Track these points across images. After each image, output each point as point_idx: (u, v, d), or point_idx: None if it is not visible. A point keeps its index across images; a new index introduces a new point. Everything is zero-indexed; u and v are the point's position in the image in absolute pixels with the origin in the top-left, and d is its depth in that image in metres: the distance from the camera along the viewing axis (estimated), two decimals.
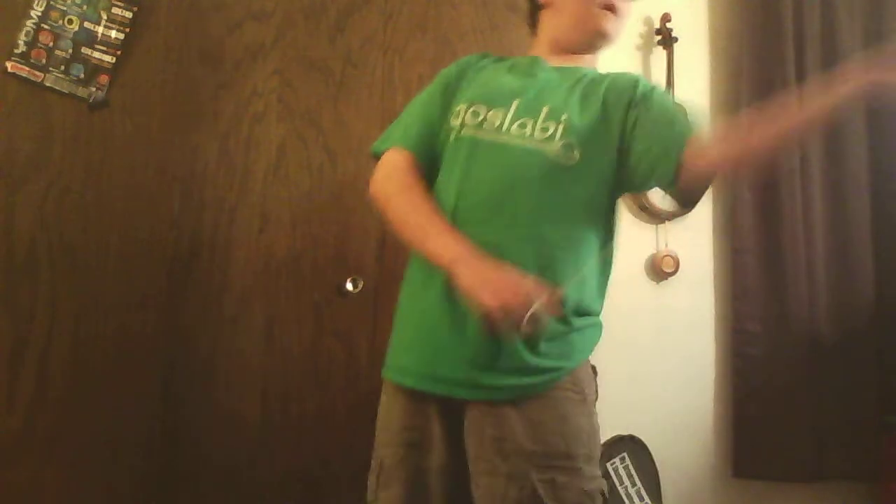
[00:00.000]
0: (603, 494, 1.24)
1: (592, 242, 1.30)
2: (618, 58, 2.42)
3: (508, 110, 1.31)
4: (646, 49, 2.48)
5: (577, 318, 1.28)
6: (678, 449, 2.36)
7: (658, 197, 2.31)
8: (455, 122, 1.35)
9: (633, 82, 1.33)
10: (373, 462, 1.34)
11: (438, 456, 1.26)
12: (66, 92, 1.82)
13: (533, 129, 1.29)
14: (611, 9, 1.35)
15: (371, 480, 1.33)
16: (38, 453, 1.75)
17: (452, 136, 1.34)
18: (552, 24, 1.44)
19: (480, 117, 1.33)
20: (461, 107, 1.35)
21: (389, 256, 2.06)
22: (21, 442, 1.74)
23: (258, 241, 1.96)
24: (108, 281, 1.83)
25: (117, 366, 1.82)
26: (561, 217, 1.27)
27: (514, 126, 1.30)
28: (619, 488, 2.23)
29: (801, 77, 2.44)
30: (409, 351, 1.32)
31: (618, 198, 1.37)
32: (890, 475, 2.24)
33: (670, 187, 1.28)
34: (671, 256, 2.38)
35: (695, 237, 2.46)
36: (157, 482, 1.84)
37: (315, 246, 2.00)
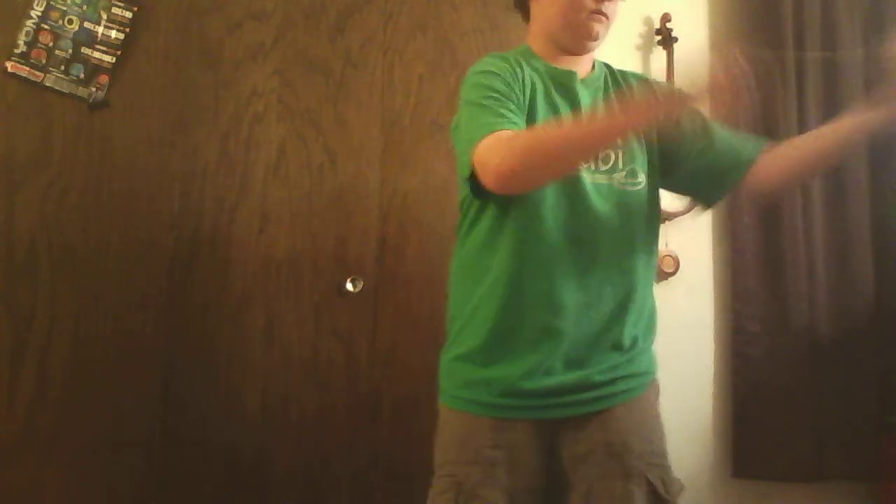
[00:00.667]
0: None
1: (655, 265, 1.39)
2: (618, 58, 2.42)
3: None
4: (646, 49, 2.48)
5: (654, 327, 1.39)
6: (678, 449, 2.34)
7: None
8: None
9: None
10: (441, 481, 1.28)
11: (528, 474, 1.26)
12: (66, 92, 1.82)
13: (595, 161, 1.29)
14: (599, 14, 1.33)
15: (444, 499, 1.25)
16: (38, 453, 1.75)
17: None
18: (543, 16, 1.39)
19: None
20: None
21: (389, 256, 2.06)
22: (21, 442, 1.74)
23: (258, 241, 1.96)
24: (108, 281, 1.83)
25: (117, 366, 1.83)
26: (637, 243, 1.32)
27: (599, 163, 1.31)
28: None
29: (801, 77, 2.44)
30: (463, 380, 1.31)
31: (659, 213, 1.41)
32: (890, 475, 2.23)
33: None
34: (671, 256, 2.38)
35: (695, 237, 2.46)
36: (157, 482, 1.84)
37: (315, 246, 2.00)
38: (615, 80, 1.40)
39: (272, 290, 1.96)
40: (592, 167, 1.29)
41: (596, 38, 1.35)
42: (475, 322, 1.30)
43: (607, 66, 1.43)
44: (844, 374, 2.36)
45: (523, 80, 1.29)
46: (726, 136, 1.36)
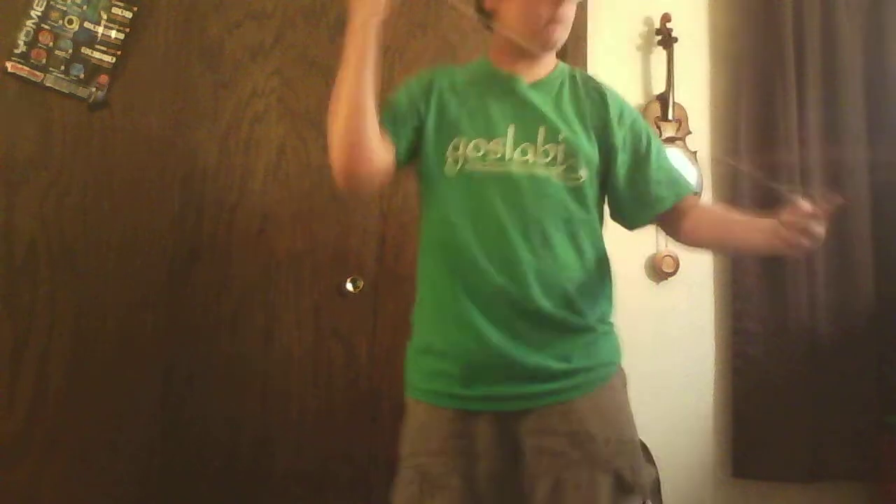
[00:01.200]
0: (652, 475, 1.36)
1: (602, 254, 1.39)
2: (618, 58, 2.43)
3: (507, 138, 1.34)
4: (646, 49, 2.48)
5: (610, 315, 1.40)
6: (678, 449, 2.36)
7: None
8: (455, 155, 1.35)
9: (616, 107, 1.42)
10: (406, 472, 1.31)
11: (488, 463, 1.28)
12: (66, 92, 1.82)
13: (535, 154, 1.33)
14: (556, 21, 1.35)
15: (410, 491, 1.29)
16: (38, 453, 1.75)
17: (454, 171, 1.35)
18: (504, 27, 1.42)
19: (482, 151, 1.34)
20: (459, 140, 1.35)
21: (389, 256, 2.06)
22: (21, 442, 1.74)
23: (258, 241, 1.96)
24: (108, 281, 1.83)
25: (117, 366, 1.83)
26: (580, 230, 1.34)
27: (517, 153, 1.34)
28: None
29: (801, 77, 2.44)
30: (452, 378, 1.33)
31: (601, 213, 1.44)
32: (890, 475, 2.23)
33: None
34: (671, 256, 2.38)
35: None
36: (157, 482, 1.84)
37: (315, 246, 2.00)
38: (574, 84, 1.43)
39: (272, 290, 1.96)
40: (529, 159, 1.33)
41: (554, 46, 1.39)
42: (425, 317, 1.42)
43: (572, 70, 1.46)
44: (844, 374, 2.36)
45: (431, 97, 1.40)
46: (660, 169, 1.42)
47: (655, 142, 1.45)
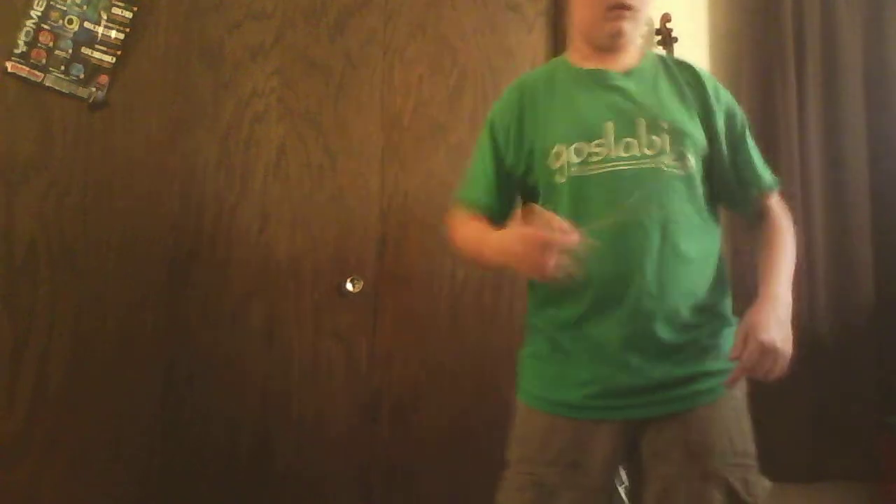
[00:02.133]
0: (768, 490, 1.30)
1: (718, 246, 1.35)
2: None
3: (608, 136, 1.29)
4: (646, 49, 2.48)
5: (730, 319, 1.36)
6: None
7: None
8: (556, 164, 1.31)
9: (697, 78, 1.37)
10: (517, 477, 1.30)
11: (600, 476, 1.27)
12: (66, 92, 1.82)
13: (640, 147, 1.28)
14: (619, 8, 1.31)
15: (523, 498, 1.27)
16: (38, 453, 1.75)
17: (559, 179, 1.31)
18: (574, 22, 1.41)
19: (585, 153, 1.30)
20: (559, 148, 1.31)
21: (389, 256, 2.06)
22: (21, 442, 1.74)
23: (258, 241, 1.96)
24: (108, 280, 1.83)
25: (117, 365, 1.82)
26: (693, 229, 1.29)
27: (621, 150, 1.28)
28: (620, 488, 2.23)
29: (801, 77, 2.44)
30: (579, 387, 1.29)
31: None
32: (890, 475, 2.23)
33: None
34: None
35: None
36: (157, 482, 1.84)
37: (315, 246, 2.00)
38: (668, 69, 1.39)
39: (272, 290, 1.96)
40: (636, 153, 1.28)
41: (621, 34, 1.33)
42: (540, 322, 1.37)
43: (662, 57, 1.42)
44: (844, 374, 2.35)
45: (517, 108, 1.39)
46: (754, 149, 1.40)
47: (746, 123, 1.40)
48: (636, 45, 1.40)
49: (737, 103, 1.42)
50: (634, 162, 1.27)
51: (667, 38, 2.43)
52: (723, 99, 1.38)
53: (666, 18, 2.43)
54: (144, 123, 1.89)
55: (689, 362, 1.27)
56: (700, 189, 1.31)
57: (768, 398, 2.35)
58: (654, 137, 1.28)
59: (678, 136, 1.29)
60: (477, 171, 1.43)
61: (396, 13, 2.13)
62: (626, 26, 1.32)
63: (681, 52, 2.43)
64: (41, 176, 1.80)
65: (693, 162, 1.29)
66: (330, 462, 1.97)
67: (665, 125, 1.29)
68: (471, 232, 1.38)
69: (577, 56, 1.41)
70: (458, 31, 2.18)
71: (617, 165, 1.27)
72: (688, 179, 1.29)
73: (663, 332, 1.25)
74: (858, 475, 2.33)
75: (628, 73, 1.36)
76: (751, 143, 1.40)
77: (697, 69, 1.39)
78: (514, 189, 1.42)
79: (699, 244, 1.30)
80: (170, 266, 1.89)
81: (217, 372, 1.91)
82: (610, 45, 1.36)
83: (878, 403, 2.35)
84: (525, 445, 1.31)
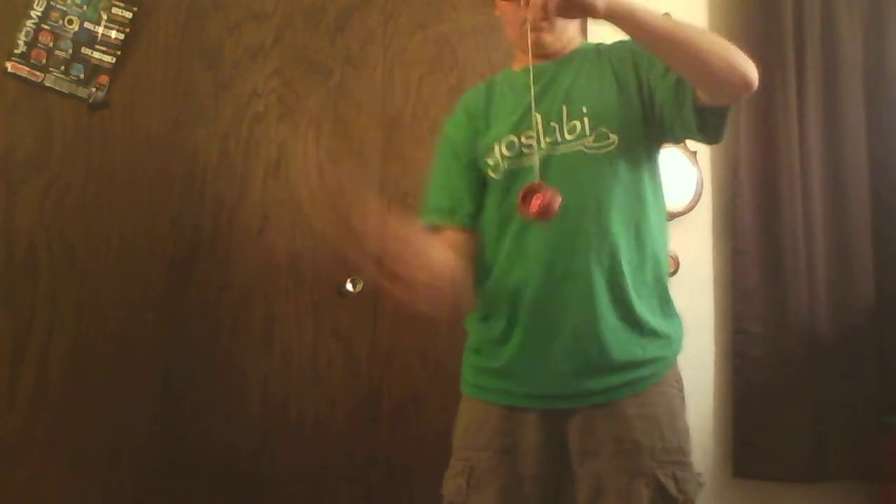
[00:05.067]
0: (701, 486, 1.29)
1: (652, 222, 1.32)
2: None
3: (536, 127, 1.32)
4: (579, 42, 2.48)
5: (668, 303, 1.32)
6: None
7: None
8: (491, 161, 1.36)
9: (627, 43, 1.32)
10: (456, 464, 1.33)
11: (533, 462, 1.28)
12: (66, 92, 1.82)
13: (562, 133, 1.30)
14: (538, 23, 1.32)
15: (457, 483, 1.31)
16: (38, 453, 1.75)
17: (494, 175, 1.36)
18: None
19: (516, 146, 1.34)
20: (494, 144, 1.36)
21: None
22: (21, 442, 1.74)
23: (258, 241, 1.96)
24: (108, 281, 1.83)
25: (117, 366, 1.83)
26: (620, 206, 1.28)
27: (547, 139, 1.31)
28: None
29: (801, 77, 2.44)
30: (505, 375, 1.32)
31: (656, 164, 1.36)
32: (890, 475, 2.23)
33: (693, 121, 1.23)
34: (671, 256, 2.38)
35: (695, 237, 2.46)
36: (157, 482, 1.84)
37: (315, 246, 2.00)
38: (598, 54, 1.38)
39: (272, 290, 1.96)
40: (557, 139, 1.30)
41: (541, 46, 1.34)
42: (475, 318, 1.39)
43: (596, 45, 1.40)
44: (844, 374, 2.35)
45: (465, 121, 1.44)
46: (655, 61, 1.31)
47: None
48: (568, 40, 1.40)
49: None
50: (559, 147, 1.30)
51: None
52: (628, 50, 1.34)
53: None
54: (144, 123, 1.89)
55: (622, 349, 1.26)
56: (624, 167, 1.29)
57: (768, 398, 2.36)
58: (574, 122, 1.30)
59: (597, 118, 1.29)
60: (436, 183, 1.46)
61: (396, 13, 2.13)
62: (546, 38, 1.35)
63: None
64: (41, 176, 1.80)
65: (611, 141, 1.28)
66: (330, 462, 1.97)
67: (585, 109, 1.30)
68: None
69: (516, 62, 1.45)
70: (458, 31, 2.18)
71: (546, 154, 1.30)
72: (609, 158, 1.28)
73: (594, 316, 1.25)
74: (858, 475, 2.33)
75: (556, 65, 1.38)
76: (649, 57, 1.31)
77: (623, 41, 1.32)
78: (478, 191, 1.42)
79: (619, 221, 1.28)
80: (170, 266, 1.89)
81: (217, 372, 1.91)
82: (536, 55, 1.36)
83: (879, 403, 2.35)
84: (463, 432, 1.35)
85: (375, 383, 2.03)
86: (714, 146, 2.53)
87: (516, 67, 1.44)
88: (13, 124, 1.78)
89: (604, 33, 1.34)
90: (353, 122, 2.06)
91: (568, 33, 1.39)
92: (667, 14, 1.19)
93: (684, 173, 2.39)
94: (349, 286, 1.99)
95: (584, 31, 2.10)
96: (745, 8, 2.51)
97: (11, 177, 1.78)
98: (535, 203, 1.13)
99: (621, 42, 1.33)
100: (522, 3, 1.29)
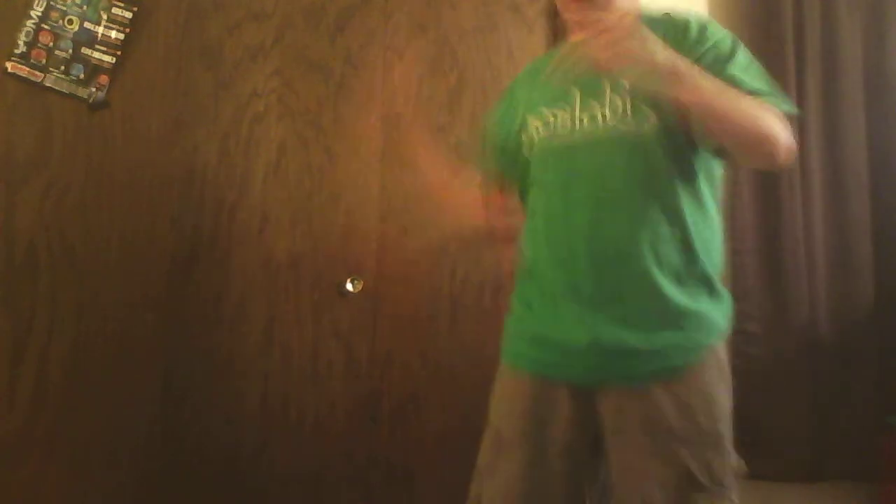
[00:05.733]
0: (739, 472, 1.28)
1: (699, 203, 1.27)
2: None
3: (574, 105, 1.29)
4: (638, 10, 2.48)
5: (711, 286, 1.27)
6: None
7: None
8: (528, 135, 1.36)
9: (684, 28, 1.27)
10: (488, 431, 1.34)
11: (563, 434, 1.26)
12: (66, 92, 1.82)
13: (603, 113, 1.27)
14: (577, 1, 1.30)
15: (485, 448, 1.32)
16: (38, 453, 1.75)
17: (532, 151, 1.36)
18: None
19: (552, 124, 1.32)
20: (531, 120, 1.35)
21: (389, 256, 2.06)
22: (21, 442, 1.74)
23: (258, 241, 1.96)
24: (108, 281, 1.83)
25: (117, 366, 1.83)
26: (659, 189, 1.24)
27: (586, 119, 1.28)
28: None
29: (801, 77, 2.44)
30: (533, 342, 1.32)
31: (710, 156, 1.29)
32: (890, 475, 2.23)
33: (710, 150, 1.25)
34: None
35: None
36: (157, 482, 1.84)
37: (315, 246, 2.00)
38: (651, 27, 1.27)
39: (272, 290, 1.96)
40: (597, 117, 1.27)
41: (584, 23, 1.27)
42: (519, 286, 1.39)
43: (652, 18, 1.30)
44: (844, 375, 2.35)
45: (509, 98, 1.48)
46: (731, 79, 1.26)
47: (735, 48, 1.26)
48: (622, 11, 1.33)
49: (728, 34, 1.29)
50: (598, 131, 1.27)
51: None
52: (709, 37, 1.27)
53: None
54: (144, 123, 1.89)
55: (652, 328, 1.22)
56: (662, 148, 1.24)
57: (769, 398, 2.36)
58: (616, 99, 1.26)
59: (632, 100, 1.25)
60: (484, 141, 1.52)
61: (396, 13, 2.13)
62: (585, 17, 1.28)
63: None
64: (41, 176, 1.80)
65: (656, 119, 1.24)
66: (330, 462, 1.97)
67: (626, 87, 1.25)
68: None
69: (570, 36, 1.41)
70: (458, 31, 2.18)
71: (583, 136, 1.28)
72: (653, 136, 1.24)
73: (621, 305, 1.23)
74: (858, 475, 2.33)
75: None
76: (742, 64, 1.26)
77: (683, 19, 1.30)
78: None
79: (657, 207, 1.24)
80: (170, 266, 1.89)
81: (217, 372, 1.91)
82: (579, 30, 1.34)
83: (879, 403, 2.35)
84: (496, 400, 1.35)
85: (375, 383, 2.03)
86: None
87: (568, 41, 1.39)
88: (13, 124, 1.78)
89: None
90: (353, 122, 2.06)
91: (622, 3, 1.31)
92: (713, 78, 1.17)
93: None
94: (349, 286, 2.00)
95: None
96: (745, 8, 2.51)
97: (11, 177, 1.78)
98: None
99: (682, 31, 1.27)
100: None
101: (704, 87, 1.14)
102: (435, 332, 2.08)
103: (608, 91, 1.27)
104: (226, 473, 1.89)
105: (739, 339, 2.41)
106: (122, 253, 1.85)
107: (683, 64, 1.14)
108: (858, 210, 2.42)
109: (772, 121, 1.18)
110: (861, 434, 2.32)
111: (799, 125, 2.42)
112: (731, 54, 1.25)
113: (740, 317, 2.41)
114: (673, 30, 1.27)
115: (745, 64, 1.26)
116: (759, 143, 1.18)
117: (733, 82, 1.20)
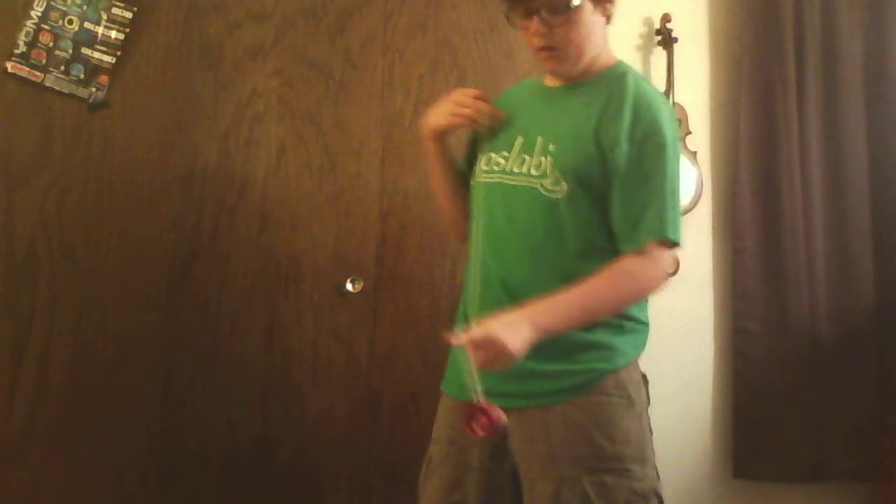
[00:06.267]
0: (658, 495, 1.28)
1: (601, 255, 1.29)
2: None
3: (512, 150, 1.36)
4: (646, 49, 2.48)
5: (615, 319, 1.31)
6: (678, 449, 2.36)
7: None
8: (477, 168, 1.43)
9: (629, 123, 1.27)
10: (427, 453, 1.43)
11: (477, 456, 1.33)
12: (66, 92, 1.82)
13: (529, 165, 1.33)
14: (544, 52, 1.33)
15: (422, 469, 1.42)
16: (38, 453, 1.75)
17: (474, 182, 1.44)
18: None
19: (492, 162, 1.39)
20: (482, 155, 1.43)
21: (389, 256, 2.06)
22: (21, 442, 1.74)
23: (258, 241, 1.96)
24: (108, 281, 1.83)
25: (117, 366, 1.82)
26: (562, 249, 1.30)
27: (515, 165, 1.35)
28: None
29: (801, 77, 2.44)
30: (450, 366, 1.44)
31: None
32: (890, 475, 2.24)
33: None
34: (671, 256, 2.38)
35: (695, 237, 2.46)
36: (157, 482, 1.84)
37: (315, 246, 2.00)
38: (610, 91, 1.31)
39: (272, 290, 1.96)
40: (522, 170, 1.33)
41: (555, 70, 1.38)
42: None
43: (621, 77, 1.34)
44: (845, 374, 2.36)
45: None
46: (633, 201, 1.29)
47: (659, 166, 1.28)
48: (601, 57, 1.37)
49: (659, 142, 1.28)
50: (519, 179, 1.33)
51: (667, 39, 2.43)
52: (638, 133, 1.27)
53: (666, 19, 2.44)
54: (144, 123, 1.89)
55: (552, 357, 1.26)
56: (566, 216, 1.28)
57: (768, 398, 2.36)
58: (542, 158, 1.31)
59: (560, 162, 1.29)
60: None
61: (396, 13, 2.13)
62: (557, 65, 1.35)
63: (681, 52, 2.43)
64: (41, 176, 1.80)
65: (562, 189, 1.28)
66: (330, 461, 1.97)
67: (552, 148, 1.30)
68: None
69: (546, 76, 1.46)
70: (458, 31, 2.18)
71: (504, 179, 1.35)
72: (554, 204, 1.28)
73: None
74: (859, 475, 2.33)
75: (566, 90, 1.38)
76: (649, 184, 1.27)
77: (631, 100, 1.29)
78: None
79: (548, 268, 1.30)
80: (170, 266, 1.89)
81: (217, 372, 1.91)
82: (554, 77, 1.41)
83: (879, 403, 2.35)
84: (435, 424, 1.44)
85: (375, 383, 2.03)
86: (714, 146, 2.53)
87: (545, 79, 1.45)
88: (13, 124, 1.78)
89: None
90: (353, 122, 2.06)
91: (587, 57, 1.34)
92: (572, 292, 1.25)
93: (684, 173, 2.39)
94: (349, 286, 2.00)
95: None
96: (745, 8, 2.51)
97: (11, 177, 1.77)
98: (483, 423, 1.17)
99: (630, 105, 1.28)
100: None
101: (566, 318, 1.25)
102: (435, 332, 2.07)
103: (538, 146, 1.33)
104: (226, 473, 1.89)
105: (739, 339, 2.41)
106: (122, 253, 1.85)
107: (538, 317, 1.21)
108: (858, 210, 2.43)
109: (637, 282, 1.28)
110: (861, 434, 2.32)
111: (799, 125, 2.43)
112: (653, 168, 1.28)
113: (740, 316, 2.42)
114: (619, 103, 1.29)
115: (660, 186, 1.28)
116: (637, 299, 1.32)
117: (637, 204, 1.26)
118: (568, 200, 1.28)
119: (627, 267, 1.27)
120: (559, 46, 1.31)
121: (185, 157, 1.92)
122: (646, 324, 1.38)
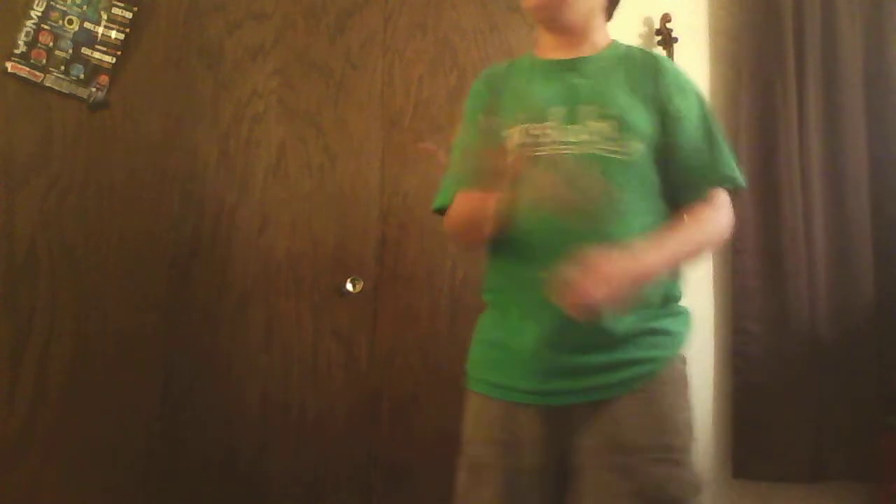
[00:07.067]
0: (699, 487, 1.28)
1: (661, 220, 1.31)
2: None
3: (560, 119, 1.31)
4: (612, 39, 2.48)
5: (671, 306, 1.32)
6: None
7: None
8: (510, 146, 1.34)
9: (674, 79, 1.33)
10: (463, 458, 1.34)
11: (532, 457, 1.28)
12: (66, 92, 1.82)
13: (583, 133, 1.29)
14: (535, 6, 1.35)
15: (462, 477, 1.33)
16: (38, 453, 1.75)
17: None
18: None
19: (535, 135, 1.32)
20: (511, 130, 1.34)
21: (389, 256, 2.06)
22: (21, 442, 1.74)
23: (258, 241, 1.96)
24: (108, 281, 1.83)
25: (117, 366, 1.83)
26: (639, 213, 1.28)
27: (570, 134, 1.30)
28: None
29: (801, 77, 2.44)
30: (479, 364, 1.36)
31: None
32: (890, 475, 2.23)
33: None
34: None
35: None
36: (157, 482, 1.84)
37: (315, 246, 2.00)
38: (629, 59, 1.36)
39: (272, 290, 1.96)
40: (580, 138, 1.29)
41: (546, 20, 1.37)
42: (487, 311, 1.39)
43: (628, 48, 1.40)
44: (844, 374, 2.36)
45: (486, 95, 1.43)
46: (690, 152, 1.33)
47: (708, 117, 1.35)
48: (599, 35, 1.40)
49: (700, 96, 1.37)
50: (577, 147, 1.28)
51: (667, 38, 2.43)
52: (683, 90, 1.35)
53: (666, 18, 2.44)
54: (144, 123, 1.89)
55: (614, 348, 1.26)
56: (642, 176, 1.29)
57: (769, 398, 2.36)
58: (597, 124, 1.29)
59: (621, 125, 1.28)
60: (455, 167, 1.43)
61: (396, 13, 2.13)
62: (550, 13, 1.36)
63: (681, 51, 2.43)
64: (41, 176, 1.80)
65: (636, 149, 1.28)
66: (330, 462, 1.97)
67: (608, 113, 1.29)
68: (454, 213, 1.38)
69: (540, 49, 1.44)
70: (458, 31, 2.18)
71: (560, 149, 1.29)
72: (629, 165, 1.28)
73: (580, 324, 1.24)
74: (859, 475, 2.33)
75: (582, 62, 1.37)
76: (710, 135, 1.34)
77: (660, 60, 1.37)
78: None
79: (636, 228, 1.27)
80: (170, 266, 1.89)
81: (217, 372, 1.91)
82: (542, 21, 1.40)
83: (879, 403, 2.35)
84: (468, 428, 1.36)
85: (375, 383, 2.03)
86: None
87: (541, 54, 1.42)
88: (13, 124, 1.78)
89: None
90: (353, 122, 2.06)
91: (580, 6, 1.36)
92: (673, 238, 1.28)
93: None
94: (349, 286, 2.00)
95: None
96: (745, 8, 2.51)
97: (11, 177, 1.78)
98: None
99: (662, 65, 1.34)
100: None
101: (667, 258, 1.26)
102: (435, 332, 2.08)
103: (588, 115, 1.30)
104: (226, 473, 1.89)
105: (739, 339, 2.41)
106: (122, 253, 1.85)
107: (650, 257, 1.21)
108: (858, 210, 2.42)
109: (716, 227, 1.32)
110: (861, 434, 2.32)
111: (799, 125, 2.42)
112: (705, 121, 1.34)
113: (740, 316, 2.41)
114: (649, 66, 1.34)
115: (714, 134, 1.34)
116: (716, 245, 1.37)
117: (701, 154, 1.32)
118: (640, 160, 1.29)
119: (707, 213, 1.31)
120: None
121: (185, 157, 1.92)
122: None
